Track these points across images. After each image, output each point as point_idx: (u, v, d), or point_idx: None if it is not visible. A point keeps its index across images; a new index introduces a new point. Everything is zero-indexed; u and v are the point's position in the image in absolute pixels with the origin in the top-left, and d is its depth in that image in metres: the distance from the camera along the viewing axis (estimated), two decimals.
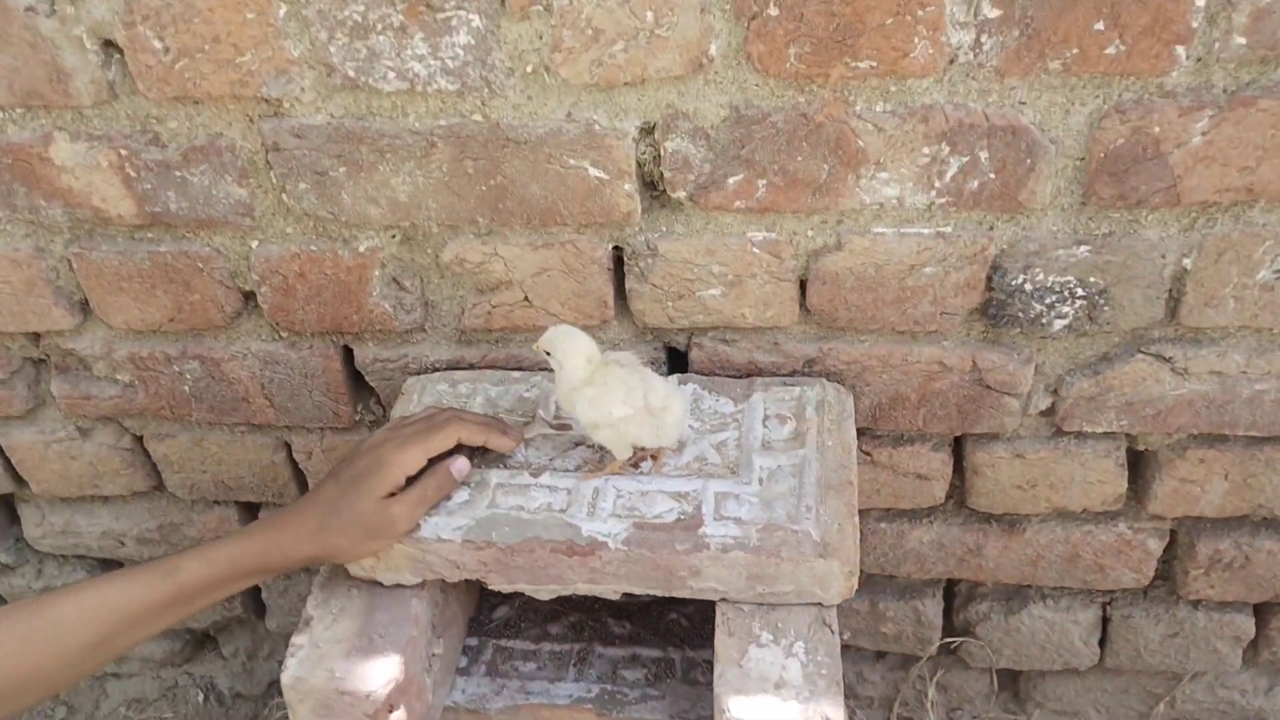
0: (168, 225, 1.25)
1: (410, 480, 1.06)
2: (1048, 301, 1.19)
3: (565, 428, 1.20)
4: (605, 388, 1.07)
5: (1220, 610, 1.46)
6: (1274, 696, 1.58)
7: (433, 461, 1.08)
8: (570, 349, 1.08)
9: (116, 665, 1.79)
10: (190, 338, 1.36)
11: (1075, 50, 1.02)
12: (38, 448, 1.49)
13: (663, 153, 1.13)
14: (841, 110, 1.08)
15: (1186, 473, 1.31)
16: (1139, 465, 1.35)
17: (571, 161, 1.14)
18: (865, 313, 1.23)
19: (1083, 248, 1.15)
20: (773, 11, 1.02)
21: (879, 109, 1.08)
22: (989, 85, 1.06)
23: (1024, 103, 1.07)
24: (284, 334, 1.34)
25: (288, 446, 1.45)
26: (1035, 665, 1.54)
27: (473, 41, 1.07)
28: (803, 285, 1.22)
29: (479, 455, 1.13)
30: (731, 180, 1.14)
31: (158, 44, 1.10)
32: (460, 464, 1.11)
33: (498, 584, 1.07)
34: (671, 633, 1.27)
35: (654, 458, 1.15)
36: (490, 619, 1.29)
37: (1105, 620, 1.49)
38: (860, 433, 1.31)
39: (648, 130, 1.12)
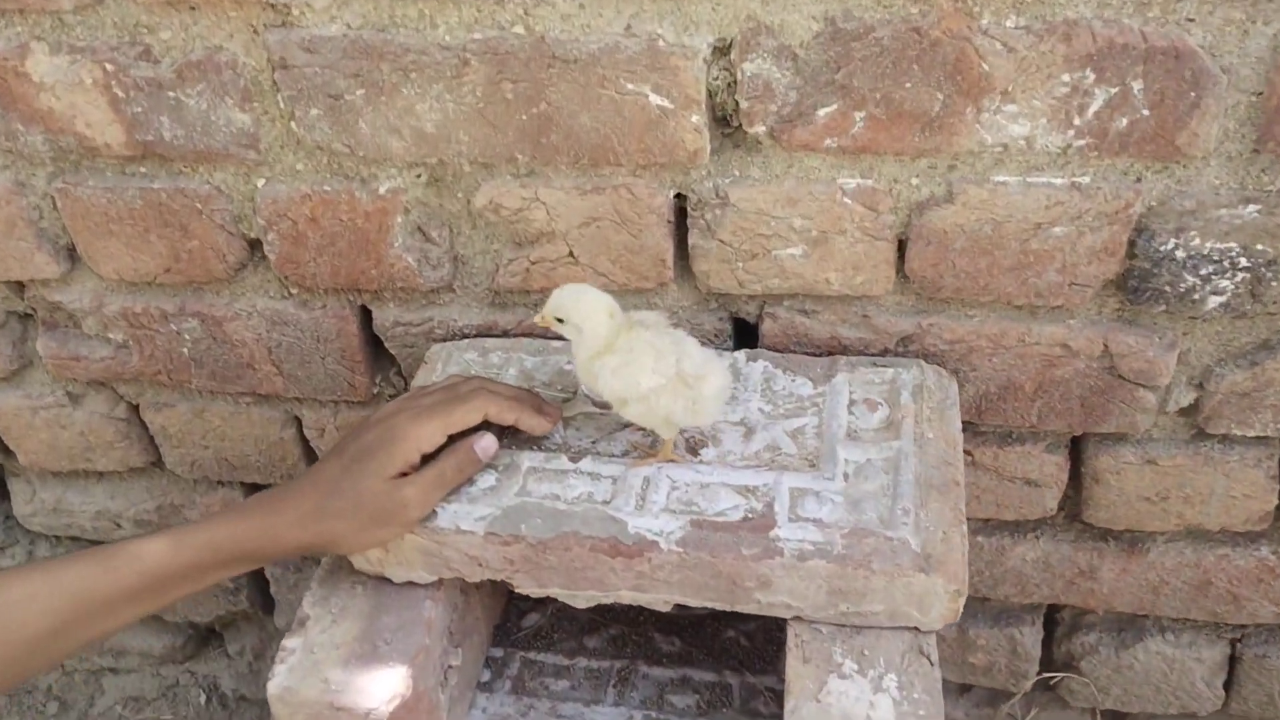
0: (162, 157, 1.10)
1: (427, 459, 0.94)
2: (1203, 273, 0.99)
3: (611, 406, 1.02)
4: (630, 354, 0.92)
5: None
6: None
7: (454, 439, 0.96)
8: (588, 308, 0.93)
9: (114, 660, 1.70)
10: (189, 292, 1.21)
11: None
12: (24, 414, 1.36)
13: (739, 77, 0.96)
14: (964, 24, 0.90)
15: None
16: None
17: (629, 86, 0.97)
18: (976, 281, 1.04)
19: (1251, 207, 0.95)
20: None
21: (1010, 24, 0.90)
22: None
23: (1192, 19, 0.88)
24: (294, 290, 1.19)
25: (298, 422, 1.32)
26: (1147, 708, 1.39)
27: None
28: (901, 246, 1.04)
29: (509, 435, 1.02)
30: (822, 112, 0.96)
31: None
32: (486, 442, 0.96)
33: (526, 587, 0.96)
34: (729, 653, 1.16)
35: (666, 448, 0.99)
36: (518, 627, 1.19)
37: (1233, 659, 1.34)
38: (961, 426, 1.10)
39: (722, 50, 0.95)
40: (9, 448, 1.42)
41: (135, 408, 1.35)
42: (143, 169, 1.12)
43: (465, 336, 1.18)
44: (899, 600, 0.89)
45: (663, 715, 1.08)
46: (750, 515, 0.92)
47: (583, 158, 1.02)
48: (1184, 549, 1.24)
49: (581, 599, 0.95)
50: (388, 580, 0.98)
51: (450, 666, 1.01)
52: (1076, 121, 0.94)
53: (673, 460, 0.98)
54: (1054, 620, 1.39)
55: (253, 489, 1.43)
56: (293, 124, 1.05)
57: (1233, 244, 0.98)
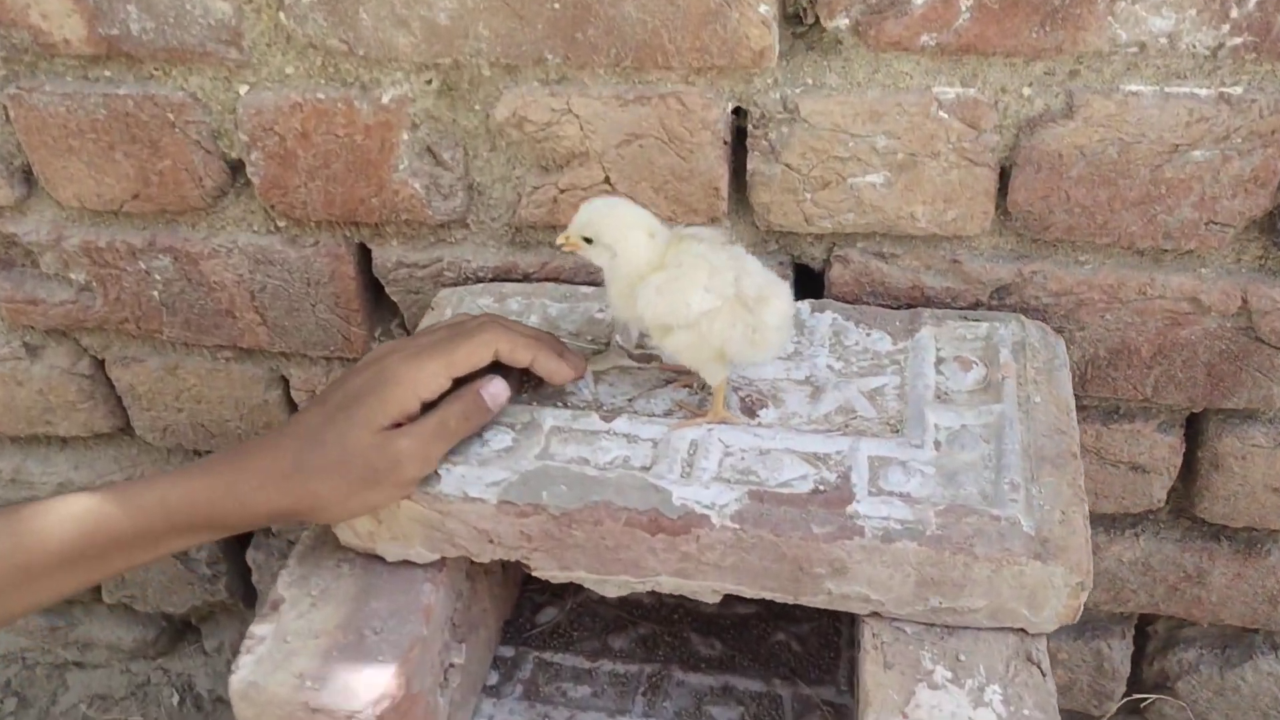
0: (129, 57, 0.96)
1: (427, 408, 0.80)
2: None
3: (651, 359, 0.90)
4: (680, 270, 0.78)
5: None
6: None
7: (460, 386, 0.82)
8: (624, 224, 0.79)
9: (79, 653, 1.58)
10: (160, 224, 1.07)
11: None
12: None
13: None
14: None
15: None
16: None
17: None
18: (1093, 218, 0.88)
19: None
20: None
21: None
22: None
23: None
24: (281, 223, 1.05)
25: (284, 382, 1.18)
26: None
27: None
28: (1003, 176, 0.87)
29: (529, 388, 0.89)
30: (919, 0, 0.78)
31: None
32: (495, 387, 0.83)
33: (546, 569, 0.83)
34: (778, 659, 1.04)
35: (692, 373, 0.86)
36: (532, 623, 1.08)
37: None
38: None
39: None
40: None
41: (101, 363, 1.21)
42: (107, 72, 0.98)
43: (480, 280, 1.04)
44: (1005, 595, 0.76)
45: None
46: (822, 487, 0.79)
47: (625, 58, 0.87)
48: None
49: (612, 585, 0.83)
50: (379, 559, 0.86)
51: (451, 665, 0.90)
52: (1234, 13, 0.79)
53: (726, 420, 0.84)
54: (1145, 633, 1.25)
55: None
56: (281, 14, 0.90)
57: None
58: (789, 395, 0.87)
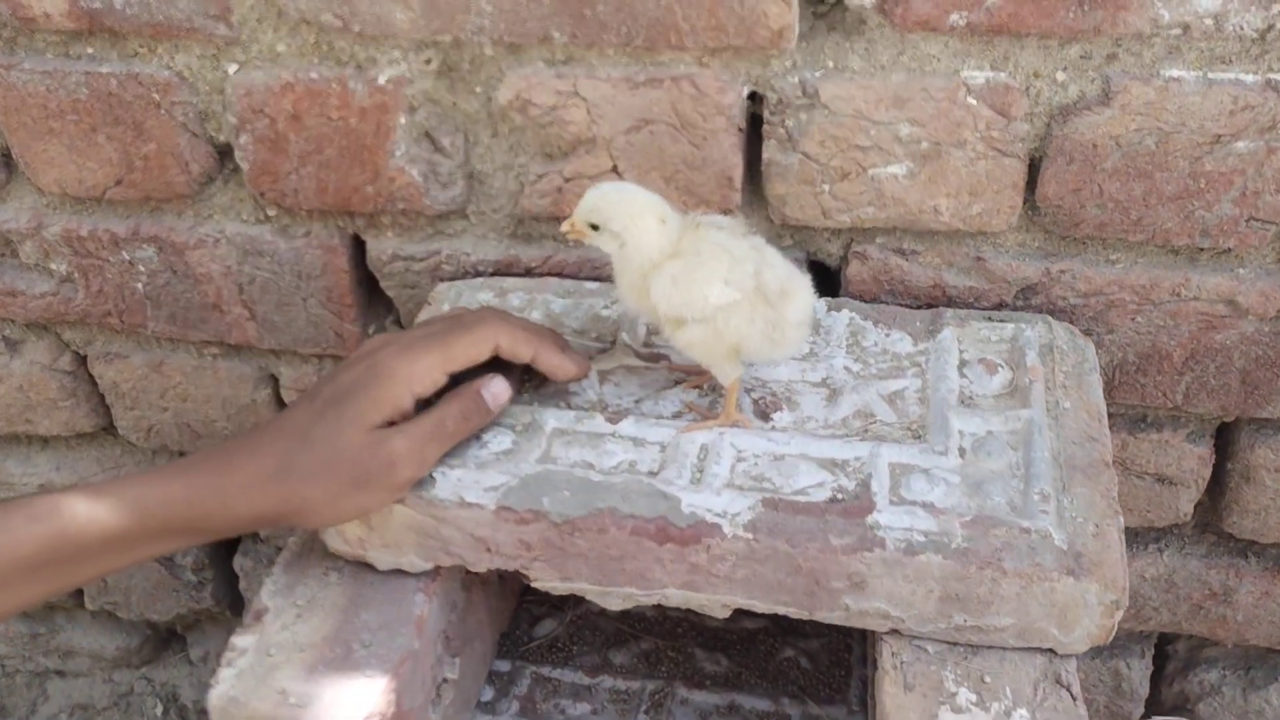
0: (112, 33, 0.92)
1: (423, 406, 0.76)
2: None
3: (659, 358, 0.85)
4: (699, 259, 0.73)
5: None
6: None
7: (457, 381, 0.77)
8: (632, 211, 0.74)
9: (60, 661, 1.54)
10: (145, 212, 1.02)
11: None
12: None
13: None
14: None
15: None
16: None
17: None
18: (1127, 214, 0.84)
19: None
20: None
21: None
22: None
23: None
24: (271, 212, 1.00)
25: (274, 380, 1.14)
26: None
27: None
28: (1032, 167, 0.82)
29: (530, 387, 0.84)
30: None
31: None
32: (496, 386, 0.79)
33: (546, 580, 0.79)
34: (786, 676, 0.99)
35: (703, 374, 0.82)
36: (530, 636, 1.03)
37: None
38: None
39: None
40: None
41: (83, 359, 1.16)
42: (89, 49, 0.93)
43: (479, 275, 0.99)
44: (1034, 613, 0.72)
45: None
46: (840, 495, 0.75)
47: (636, 37, 0.82)
48: None
49: (615, 598, 0.79)
50: (369, 567, 0.82)
51: (445, 680, 0.85)
52: None
53: (738, 424, 0.80)
54: (1165, 653, 1.21)
55: None
56: None
57: None
58: (805, 398, 0.82)
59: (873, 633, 0.77)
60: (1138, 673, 1.18)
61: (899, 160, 0.85)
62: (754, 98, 0.86)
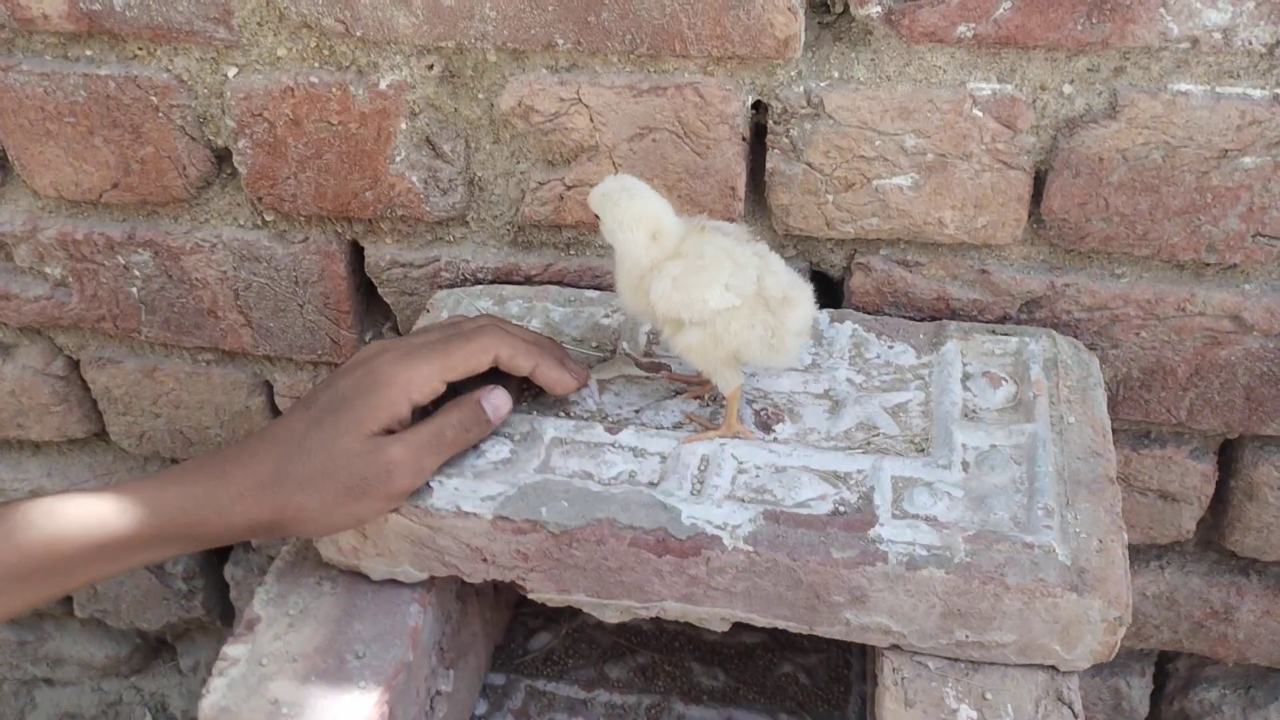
0: (112, 35, 0.91)
1: (420, 414, 0.75)
2: None
3: (659, 368, 0.84)
4: (700, 261, 0.72)
5: None
6: None
7: (455, 391, 0.76)
8: (624, 218, 0.73)
9: (49, 669, 1.52)
10: (141, 216, 1.01)
11: None
12: None
13: None
14: None
15: None
16: None
17: None
18: (1133, 228, 0.83)
19: None
20: None
21: None
22: None
23: None
24: (269, 217, 0.99)
25: (268, 387, 1.12)
26: None
27: None
28: (1038, 180, 0.81)
29: (529, 397, 0.83)
30: None
31: None
32: (497, 397, 0.78)
33: (542, 591, 0.78)
34: (784, 692, 0.99)
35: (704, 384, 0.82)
36: (525, 649, 1.02)
37: None
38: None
39: None
40: None
41: (76, 364, 1.15)
42: (88, 51, 0.92)
43: (479, 282, 0.98)
44: (1037, 629, 0.71)
45: None
46: (842, 508, 0.74)
47: (640, 45, 0.81)
48: None
49: (613, 610, 0.78)
50: (363, 577, 0.81)
51: (438, 692, 0.84)
52: None
53: (740, 435, 0.79)
54: (1165, 671, 1.19)
55: None
56: None
57: None
58: (807, 410, 0.81)
59: (873, 648, 0.76)
60: (1138, 691, 1.17)
61: (904, 171, 0.84)
62: (758, 107, 0.85)
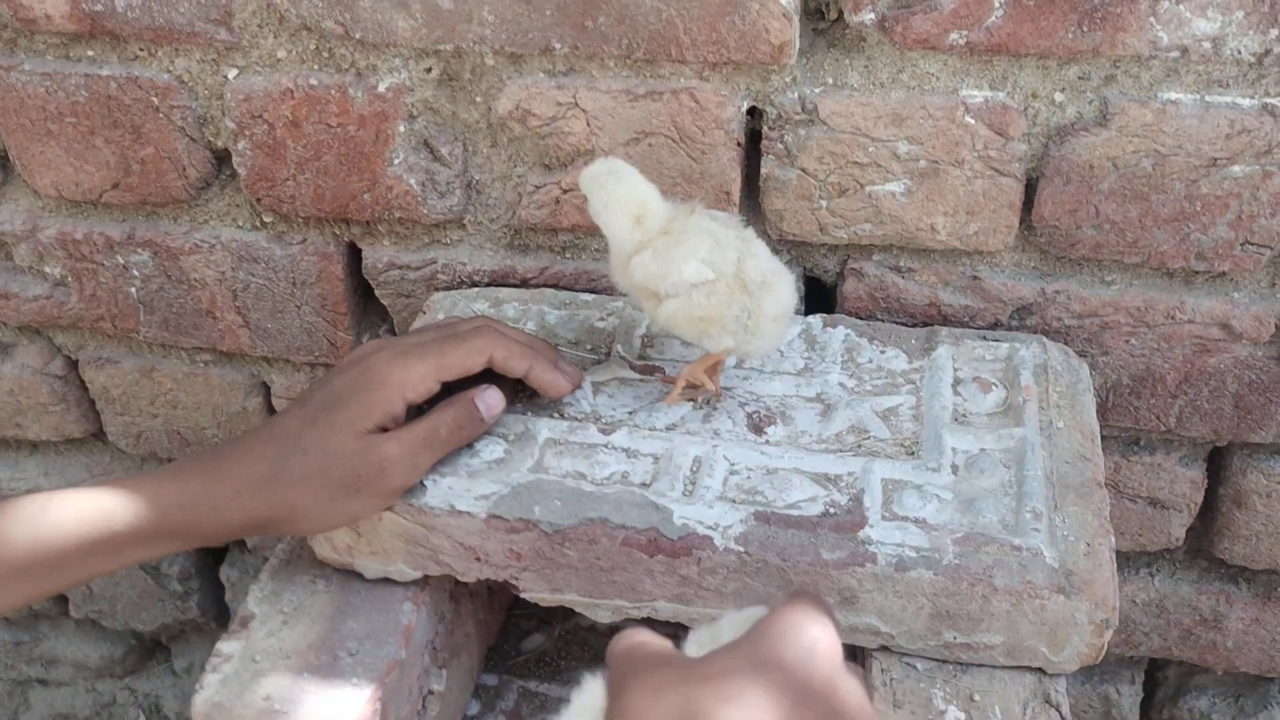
0: (113, 36, 0.91)
1: (416, 413, 0.76)
2: None
3: (653, 370, 0.84)
4: (682, 236, 0.74)
5: None
6: None
7: (449, 391, 0.77)
8: (608, 201, 0.75)
9: (43, 669, 1.51)
10: (140, 216, 1.01)
11: None
12: None
13: None
14: None
15: None
16: None
17: None
18: (1123, 235, 0.84)
19: None
20: None
21: None
22: None
23: None
24: (267, 218, 0.99)
25: (265, 388, 1.12)
26: None
27: None
28: (1029, 188, 0.82)
29: (523, 398, 0.83)
30: None
31: None
32: (491, 396, 0.78)
33: (535, 591, 0.78)
34: None
35: (697, 388, 0.82)
36: (518, 650, 1.02)
37: None
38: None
39: None
40: None
41: (74, 364, 1.15)
42: (90, 51, 0.93)
43: (475, 284, 0.99)
44: (1025, 630, 0.71)
45: None
46: (832, 510, 0.75)
47: (637, 49, 0.82)
48: None
49: (605, 610, 0.78)
50: (357, 575, 0.81)
51: (430, 691, 0.84)
52: None
53: (705, 387, 0.81)
54: (1155, 679, 1.20)
55: None
56: None
57: None
58: (798, 413, 0.82)
59: (863, 649, 0.76)
60: (1128, 699, 1.17)
61: (897, 178, 0.85)
62: (753, 112, 0.86)
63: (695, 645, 0.54)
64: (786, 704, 0.45)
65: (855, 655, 0.94)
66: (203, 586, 1.35)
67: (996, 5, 0.76)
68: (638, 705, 0.46)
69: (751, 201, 0.90)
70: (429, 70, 0.87)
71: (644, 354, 0.88)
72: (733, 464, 0.77)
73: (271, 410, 1.13)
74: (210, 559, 1.34)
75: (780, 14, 0.79)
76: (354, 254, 1.00)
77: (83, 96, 0.93)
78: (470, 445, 0.78)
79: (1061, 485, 0.76)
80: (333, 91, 0.89)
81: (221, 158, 0.96)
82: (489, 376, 0.77)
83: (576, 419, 0.82)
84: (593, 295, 0.94)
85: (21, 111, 0.95)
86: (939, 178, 0.84)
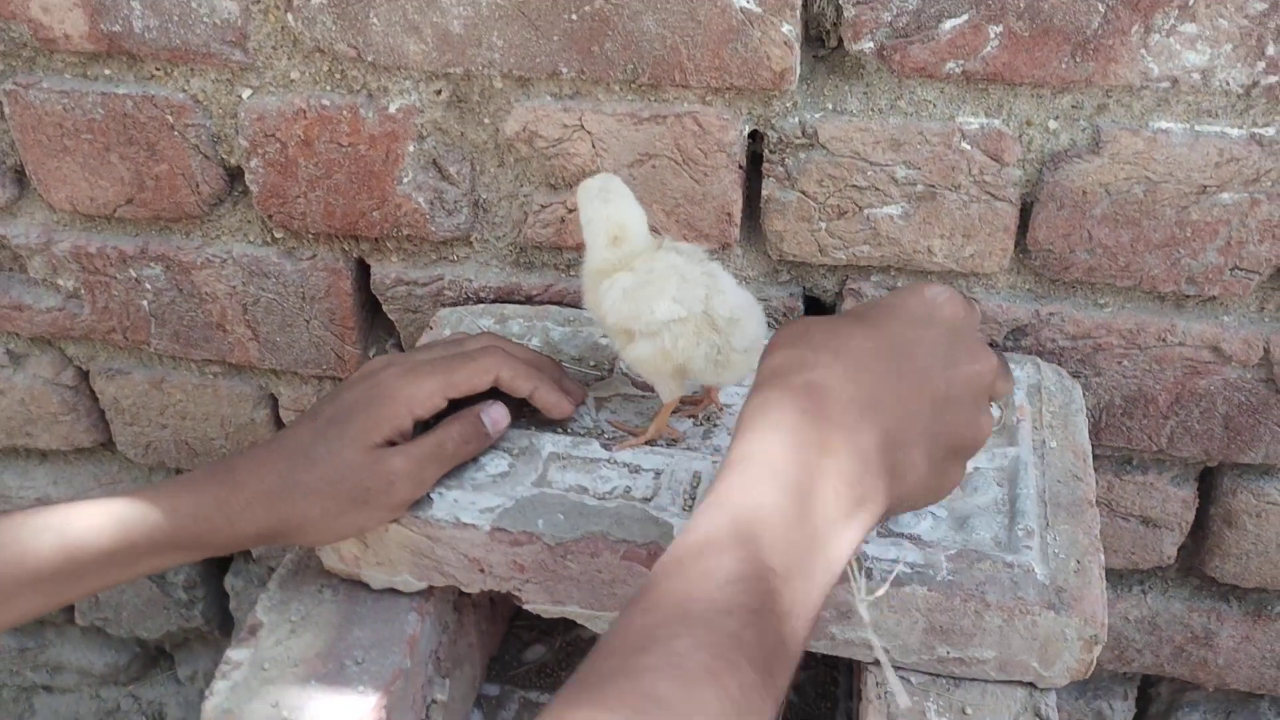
0: (130, 56, 0.93)
1: (423, 428, 0.77)
2: None
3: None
4: (650, 275, 0.74)
5: None
6: None
7: (456, 406, 0.78)
8: (593, 216, 0.76)
9: (48, 676, 1.51)
10: (154, 231, 1.02)
11: None
12: None
13: None
14: None
15: None
16: None
17: None
18: (1115, 260, 0.85)
19: None
20: None
21: None
22: None
23: None
24: (278, 234, 1.00)
25: (273, 400, 1.13)
26: None
27: None
28: (1024, 212, 0.84)
29: (527, 413, 0.84)
30: (948, 24, 0.77)
31: None
32: (496, 412, 0.79)
33: (537, 602, 0.79)
34: None
35: (698, 403, 0.84)
36: (519, 661, 1.02)
37: None
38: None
39: None
40: None
41: (85, 375, 1.16)
42: (107, 70, 0.94)
43: (481, 301, 1.00)
44: (1016, 646, 0.72)
45: None
46: None
47: (642, 74, 0.84)
48: None
49: (605, 622, 0.79)
50: (363, 585, 0.82)
51: (434, 701, 0.85)
52: (1270, 50, 0.75)
53: (666, 436, 0.81)
54: (1148, 695, 1.20)
55: None
56: (289, 16, 0.86)
57: None
58: None
59: (858, 663, 0.77)
60: (1120, 714, 1.17)
61: (895, 201, 0.86)
62: (755, 136, 0.87)
63: None
64: (884, 343, 0.60)
65: (850, 669, 0.95)
66: (207, 595, 1.36)
67: (992, 36, 0.77)
68: (775, 335, 0.63)
69: (752, 223, 0.91)
70: (439, 92, 0.89)
71: None
72: None
73: (279, 422, 1.14)
74: (215, 568, 1.35)
75: (782, 41, 0.80)
76: (363, 270, 1.02)
77: (99, 114, 0.95)
78: (475, 459, 0.79)
79: (1053, 504, 0.77)
80: (344, 112, 0.91)
81: (234, 175, 0.98)
82: (494, 391, 0.79)
83: (579, 434, 0.83)
84: None
85: (39, 128, 0.97)
86: (936, 201, 0.86)
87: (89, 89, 0.94)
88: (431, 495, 0.77)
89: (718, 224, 0.90)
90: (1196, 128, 0.80)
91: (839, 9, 0.79)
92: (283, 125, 0.92)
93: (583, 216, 0.76)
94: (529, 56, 0.85)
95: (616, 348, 0.78)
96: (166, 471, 1.22)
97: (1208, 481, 0.99)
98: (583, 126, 0.87)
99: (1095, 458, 0.97)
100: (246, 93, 0.92)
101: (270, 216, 0.98)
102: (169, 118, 0.94)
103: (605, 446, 0.81)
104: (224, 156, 0.96)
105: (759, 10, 0.79)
